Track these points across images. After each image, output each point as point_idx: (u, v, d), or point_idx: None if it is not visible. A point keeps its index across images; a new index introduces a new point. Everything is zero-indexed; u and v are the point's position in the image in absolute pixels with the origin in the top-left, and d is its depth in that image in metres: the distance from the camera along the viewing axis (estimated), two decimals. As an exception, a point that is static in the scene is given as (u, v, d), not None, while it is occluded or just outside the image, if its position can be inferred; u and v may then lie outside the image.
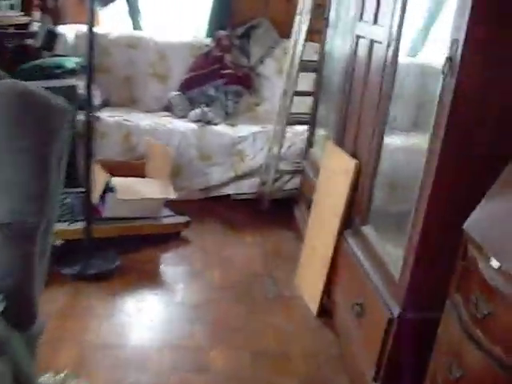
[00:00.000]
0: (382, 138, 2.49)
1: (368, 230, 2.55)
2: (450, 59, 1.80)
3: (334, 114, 3.28)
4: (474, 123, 1.85)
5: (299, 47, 3.69)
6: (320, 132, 3.74)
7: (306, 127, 3.90)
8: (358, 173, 2.66)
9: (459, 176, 1.91)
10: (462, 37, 1.75)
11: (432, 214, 1.95)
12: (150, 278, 3.05)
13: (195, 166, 3.95)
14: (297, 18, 3.78)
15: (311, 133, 3.76)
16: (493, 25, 1.75)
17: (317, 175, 3.38)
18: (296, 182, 3.98)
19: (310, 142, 3.77)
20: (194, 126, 4.02)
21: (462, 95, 1.80)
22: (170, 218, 3.46)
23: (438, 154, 1.87)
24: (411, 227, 2.06)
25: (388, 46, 2.37)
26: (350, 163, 2.72)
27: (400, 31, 2.30)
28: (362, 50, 2.74)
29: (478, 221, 1.72)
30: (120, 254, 3.12)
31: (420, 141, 3.39)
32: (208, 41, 4.55)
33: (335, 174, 2.85)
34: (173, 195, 3.38)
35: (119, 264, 3.03)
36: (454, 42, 1.79)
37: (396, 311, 2.09)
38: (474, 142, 1.88)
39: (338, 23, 3.43)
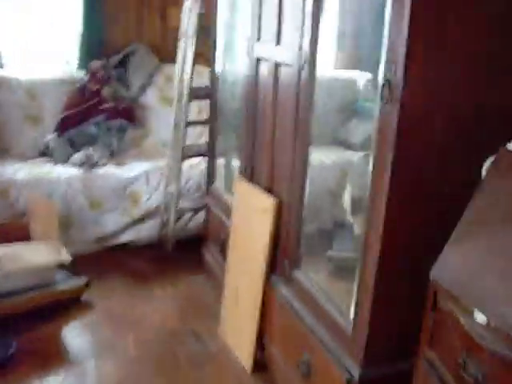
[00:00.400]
0: (306, 170, 2.24)
1: (301, 275, 2.29)
2: (388, 82, 1.58)
3: (238, 144, 3.02)
4: (422, 148, 1.64)
5: (187, 73, 3.38)
6: (221, 163, 3.47)
7: (203, 159, 3.60)
8: (279, 211, 2.39)
9: (414, 208, 1.69)
10: (401, 58, 1.53)
11: (387, 253, 1.71)
12: (54, 360, 2.60)
13: (86, 216, 3.54)
14: (181, 42, 3.47)
15: (211, 165, 3.46)
16: (432, 44, 1.55)
17: (224, 212, 3.10)
18: (199, 218, 3.68)
19: (211, 176, 3.46)
20: (78, 171, 3.60)
21: (408, 121, 1.59)
22: (66, 283, 3.03)
23: (388, 185, 1.64)
24: (361, 269, 1.81)
25: (299, 67, 2.12)
26: (267, 202, 2.44)
27: (314, 50, 2.05)
28: (266, 73, 2.48)
29: (448, 266, 1.49)
30: (15, 337, 2.66)
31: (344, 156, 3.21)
32: (81, 74, 4.12)
33: (252, 214, 2.57)
34: (66, 257, 2.95)
35: (15, 349, 2.57)
36: (391, 63, 1.57)
37: (355, 370, 1.84)
38: (425, 169, 1.68)
39: (228, 44, 3.17)
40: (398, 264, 1.73)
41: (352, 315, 1.86)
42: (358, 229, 2.74)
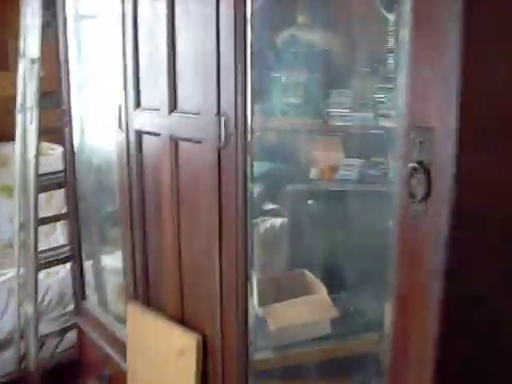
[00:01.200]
0: (247, 283, 1.52)
1: None
2: (423, 165, 0.89)
3: (113, 242, 2.26)
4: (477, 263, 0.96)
5: (31, 156, 2.53)
6: (88, 266, 2.65)
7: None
8: (205, 352, 1.63)
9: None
10: (446, 126, 0.85)
11: None
12: None
13: None
14: (18, 116, 2.61)
15: (78, 275, 2.61)
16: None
17: (105, 339, 2.33)
18: (70, 337, 2.82)
19: (79, 289, 2.61)
20: None
21: (458, 227, 0.90)
22: None
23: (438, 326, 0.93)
24: None
25: (219, 140, 1.41)
26: (184, 339, 1.67)
27: (245, 114, 1.35)
28: (156, 152, 1.74)
29: None
30: None
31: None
32: None
33: (162, 357, 1.78)
34: None
35: None
36: (422, 132, 0.89)
37: None
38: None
39: (85, 114, 2.40)
40: None
41: None
42: (272, 324, 2.12)
